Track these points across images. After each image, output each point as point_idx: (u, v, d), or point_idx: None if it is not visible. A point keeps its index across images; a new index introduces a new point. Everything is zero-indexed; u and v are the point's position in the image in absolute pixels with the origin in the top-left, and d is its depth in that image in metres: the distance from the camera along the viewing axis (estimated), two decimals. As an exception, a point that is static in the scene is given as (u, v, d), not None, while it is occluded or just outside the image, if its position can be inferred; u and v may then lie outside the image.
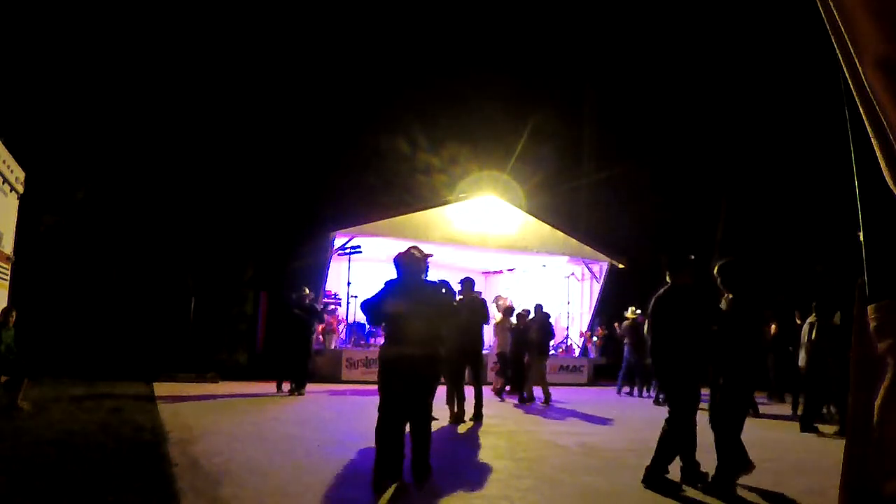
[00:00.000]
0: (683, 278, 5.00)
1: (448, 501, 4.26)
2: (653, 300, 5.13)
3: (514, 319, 11.48)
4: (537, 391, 10.95)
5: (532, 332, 11.20)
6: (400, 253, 4.97)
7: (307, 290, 11.07)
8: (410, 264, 4.91)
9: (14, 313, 7.68)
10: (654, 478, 4.73)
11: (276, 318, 11.69)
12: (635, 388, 13.06)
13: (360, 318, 14.71)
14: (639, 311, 13.16)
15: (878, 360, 1.10)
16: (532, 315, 11.61)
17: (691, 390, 4.89)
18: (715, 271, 5.10)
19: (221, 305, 15.01)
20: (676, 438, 4.82)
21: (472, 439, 6.84)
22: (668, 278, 5.08)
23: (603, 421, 8.83)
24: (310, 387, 11.05)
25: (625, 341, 13.08)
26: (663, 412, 5.11)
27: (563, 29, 23.15)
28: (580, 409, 9.92)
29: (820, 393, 8.46)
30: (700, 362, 4.93)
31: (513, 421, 8.62)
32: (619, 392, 13.10)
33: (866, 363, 1.16)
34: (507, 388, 11.57)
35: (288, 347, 10.67)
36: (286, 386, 10.52)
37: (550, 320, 11.96)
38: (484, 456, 5.93)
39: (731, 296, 4.99)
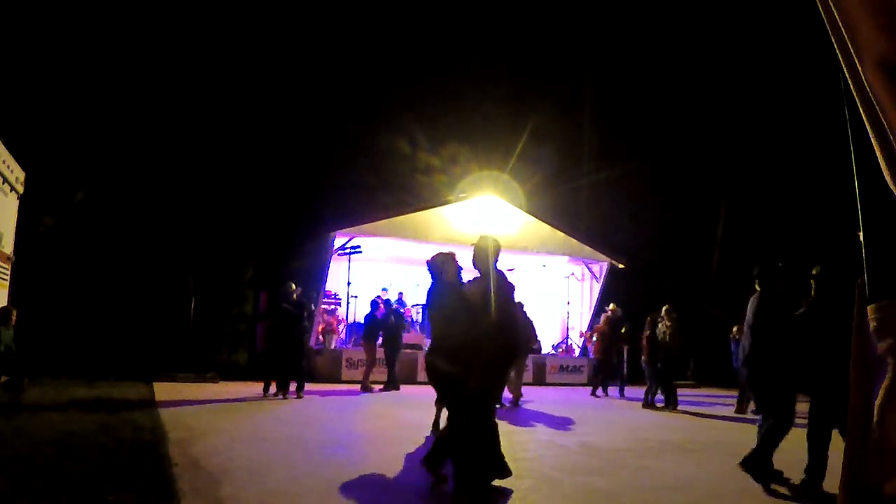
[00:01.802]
0: (774, 286, 5.15)
1: (448, 502, 4.26)
2: (749, 307, 5.25)
3: None
4: (510, 394, 10.36)
5: None
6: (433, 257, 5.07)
7: (294, 286, 10.56)
8: (434, 267, 5.00)
9: (14, 313, 7.69)
10: (754, 464, 4.82)
11: (267, 315, 11.20)
12: (601, 388, 12.75)
13: (360, 318, 14.75)
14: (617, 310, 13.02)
15: (878, 360, 1.10)
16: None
17: (787, 392, 4.95)
18: (816, 275, 5.13)
19: (221, 305, 15.02)
20: (780, 432, 4.88)
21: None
22: (757, 286, 5.26)
23: (603, 421, 8.82)
24: (310, 387, 11.02)
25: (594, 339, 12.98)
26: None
27: (564, 28, 23.16)
28: (580, 409, 9.92)
29: None
30: (794, 366, 5.00)
31: (512, 421, 8.62)
32: (593, 393, 12.67)
33: (866, 363, 1.16)
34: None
35: (277, 346, 10.09)
36: (273, 388, 9.95)
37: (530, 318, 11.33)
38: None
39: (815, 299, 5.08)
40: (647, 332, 10.76)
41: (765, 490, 4.76)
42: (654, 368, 10.55)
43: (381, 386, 11.74)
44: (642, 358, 10.92)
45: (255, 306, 15.40)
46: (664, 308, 10.85)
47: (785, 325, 4.98)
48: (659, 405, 10.46)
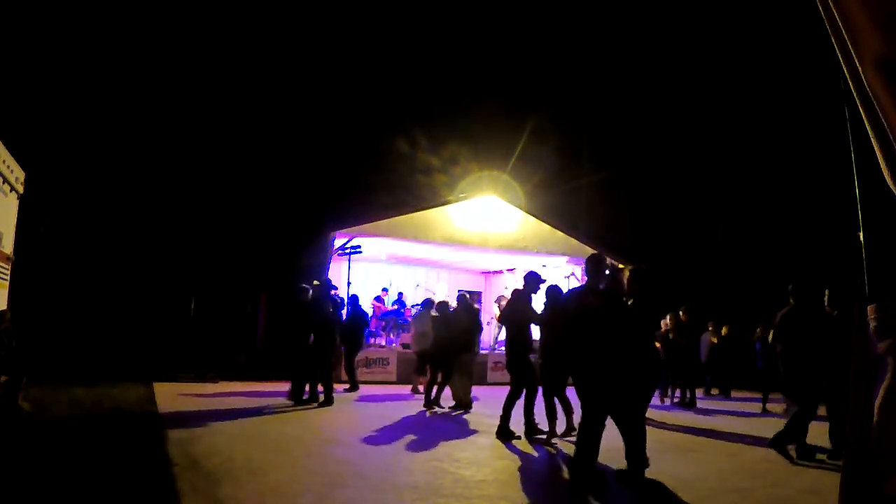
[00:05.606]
0: (805, 300, 6.15)
1: (448, 502, 4.26)
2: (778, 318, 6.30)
3: (434, 312, 10.16)
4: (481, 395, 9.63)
5: (455, 324, 9.39)
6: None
7: (317, 283, 9.96)
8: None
9: (8, 315, 7.63)
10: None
11: (288, 314, 10.21)
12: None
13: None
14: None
15: (878, 360, 1.10)
16: (455, 305, 9.90)
17: (813, 390, 5.91)
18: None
19: (221, 305, 15.01)
20: (804, 420, 5.82)
21: (471, 439, 6.83)
22: (791, 300, 6.23)
23: (603, 421, 8.78)
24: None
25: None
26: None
27: (564, 30, 23.17)
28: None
29: None
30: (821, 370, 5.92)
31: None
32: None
33: (866, 363, 1.16)
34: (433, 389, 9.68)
35: (313, 348, 9.52)
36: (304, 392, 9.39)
37: (477, 308, 10.35)
38: (484, 456, 5.93)
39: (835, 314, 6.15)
40: None
41: (764, 490, 4.76)
42: None
43: (346, 386, 11.71)
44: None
45: (256, 306, 15.39)
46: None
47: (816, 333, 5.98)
48: None
